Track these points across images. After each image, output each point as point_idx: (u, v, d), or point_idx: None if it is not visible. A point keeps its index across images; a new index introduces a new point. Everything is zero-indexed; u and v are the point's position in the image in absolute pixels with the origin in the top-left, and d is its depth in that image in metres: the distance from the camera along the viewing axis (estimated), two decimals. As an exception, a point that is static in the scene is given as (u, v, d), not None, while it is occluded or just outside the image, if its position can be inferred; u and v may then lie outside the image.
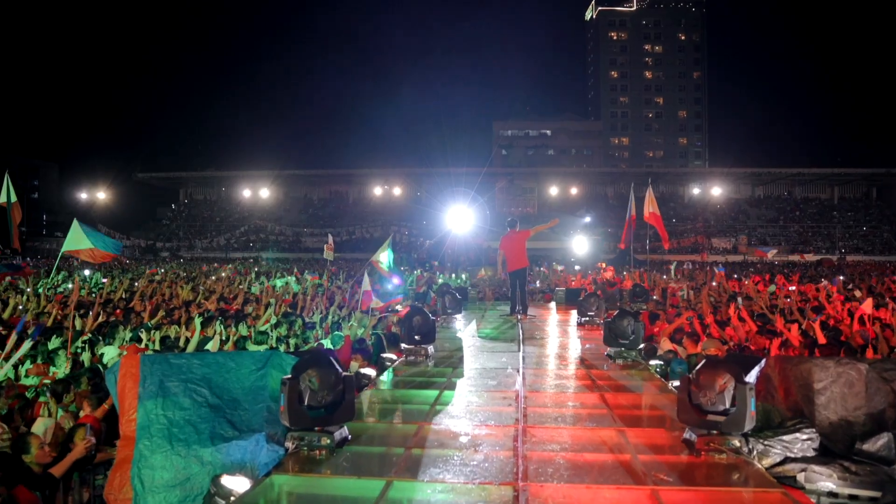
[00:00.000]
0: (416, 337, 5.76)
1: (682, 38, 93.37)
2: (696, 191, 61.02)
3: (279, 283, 15.84)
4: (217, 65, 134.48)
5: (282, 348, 7.48)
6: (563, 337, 7.60)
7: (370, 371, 5.56)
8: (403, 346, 5.88)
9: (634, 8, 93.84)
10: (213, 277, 16.63)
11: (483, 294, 13.83)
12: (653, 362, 6.01)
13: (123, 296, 12.27)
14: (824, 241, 56.40)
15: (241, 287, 13.91)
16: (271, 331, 7.98)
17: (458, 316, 8.44)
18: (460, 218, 23.22)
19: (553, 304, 12.35)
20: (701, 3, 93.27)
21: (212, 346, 6.76)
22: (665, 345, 6.77)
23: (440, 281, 17.37)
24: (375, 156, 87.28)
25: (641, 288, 10.99)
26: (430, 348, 5.89)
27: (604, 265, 16.29)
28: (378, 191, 61.16)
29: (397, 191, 59.89)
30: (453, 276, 17.30)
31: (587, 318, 8.43)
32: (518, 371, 5.23)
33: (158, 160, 75.76)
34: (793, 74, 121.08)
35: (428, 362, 5.79)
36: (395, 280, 14.29)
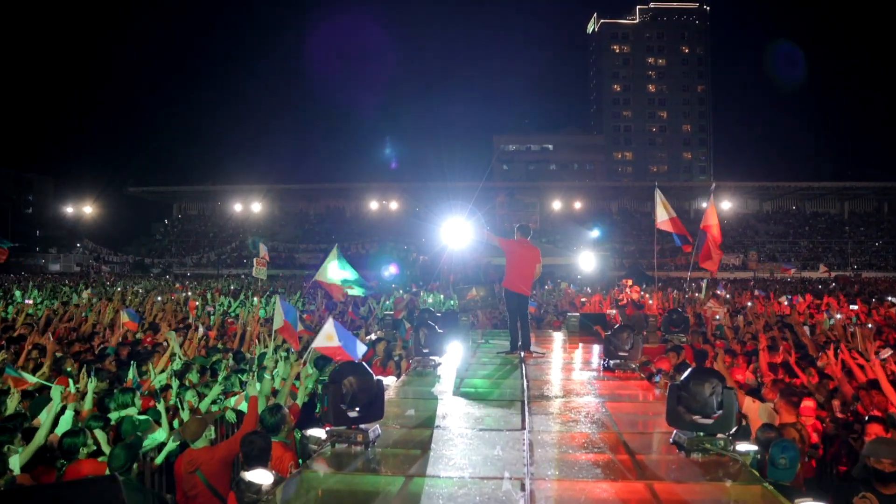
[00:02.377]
0: (351, 412, 3.37)
1: (686, 50, 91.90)
2: (703, 205, 59.19)
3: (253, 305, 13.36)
4: (216, 78, 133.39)
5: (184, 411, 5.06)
6: (587, 395, 5.10)
7: (262, 478, 3.15)
8: (328, 428, 3.47)
9: (637, 21, 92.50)
10: (160, 299, 14.18)
11: (476, 320, 11.33)
12: (742, 447, 3.61)
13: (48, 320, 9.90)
14: (835, 257, 54.89)
15: (176, 311, 11.46)
16: (170, 379, 5.58)
17: (438, 357, 6.02)
18: (457, 232, 20.85)
19: (563, 335, 9.83)
20: (704, 16, 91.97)
21: (45, 415, 4.35)
22: (754, 411, 4.37)
23: (430, 302, 14.94)
24: (374, 171, 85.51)
25: (680, 315, 8.49)
26: (374, 430, 3.48)
27: (630, 282, 13.68)
28: (375, 206, 59.75)
29: (395, 206, 58.52)
30: (437, 297, 14.80)
31: (618, 362, 6.04)
32: (523, 489, 2.83)
33: (154, 174, 74.36)
34: (799, 87, 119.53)
35: (368, 454, 3.38)
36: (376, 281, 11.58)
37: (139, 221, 67.42)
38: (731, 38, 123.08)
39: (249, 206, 61.51)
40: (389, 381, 5.37)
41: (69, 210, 63.83)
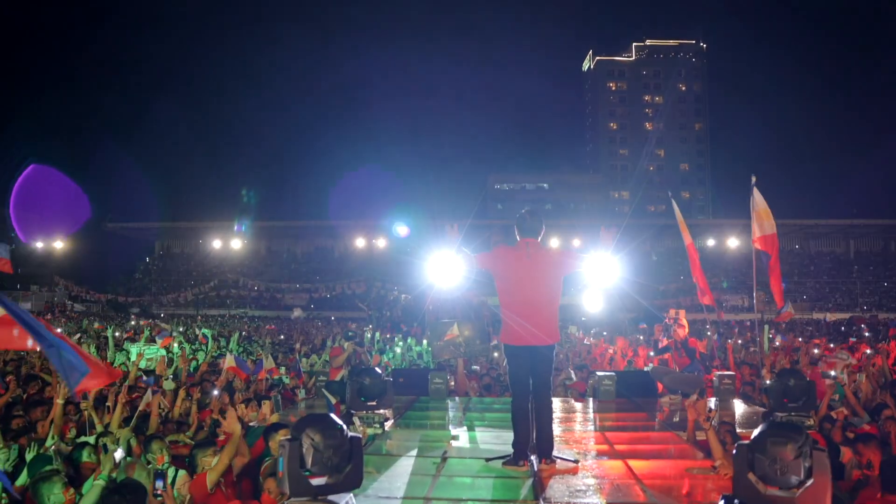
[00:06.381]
0: None
1: (683, 88, 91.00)
2: (709, 243, 57.21)
3: (150, 350, 10.30)
4: (203, 111, 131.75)
5: None
6: None
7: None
8: None
9: (633, 58, 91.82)
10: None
11: (453, 381, 8.04)
12: None
13: None
14: (843, 297, 52.91)
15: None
16: None
17: (348, 499, 2.60)
18: (445, 268, 18.12)
19: (591, 407, 6.74)
20: (701, 53, 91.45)
21: None
22: None
23: (398, 352, 11.95)
24: (364, 210, 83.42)
25: (800, 378, 4.62)
26: None
27: (675, 313, 10.11)
28: (365, 244, 57.65)
29: (384, 244, 56.31)
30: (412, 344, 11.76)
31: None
32: None
33: (136, 209, 72.03)
34: (799, 124, 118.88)
35: None
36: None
37: (119, 259, 64.94)
38: (728, 75, 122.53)
39: (234, 245, 59.42)
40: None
41: (47, 246, 61.56)
